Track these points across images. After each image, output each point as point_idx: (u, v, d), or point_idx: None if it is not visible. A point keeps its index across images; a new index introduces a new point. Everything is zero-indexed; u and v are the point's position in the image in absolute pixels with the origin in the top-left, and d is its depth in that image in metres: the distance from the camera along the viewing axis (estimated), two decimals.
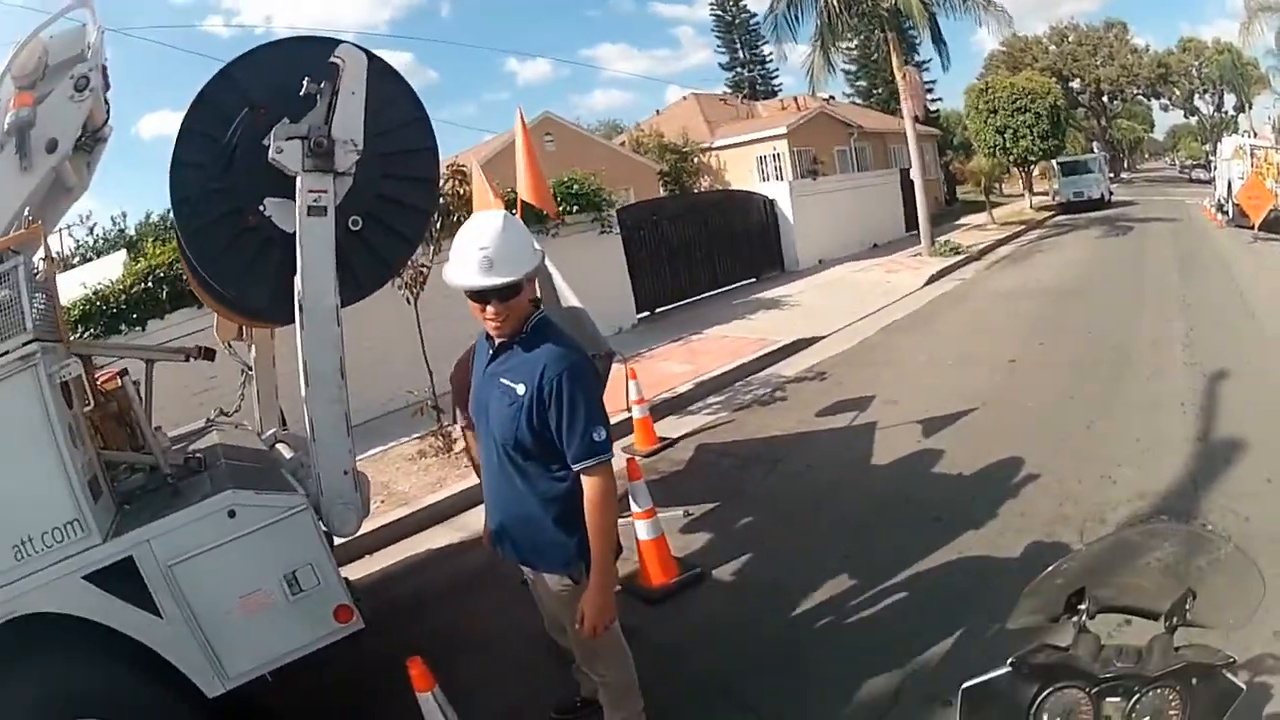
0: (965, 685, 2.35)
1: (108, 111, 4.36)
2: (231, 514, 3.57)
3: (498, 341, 3.14)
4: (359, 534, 4.50)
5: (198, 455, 4.29)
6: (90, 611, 3.42)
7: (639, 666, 3.61)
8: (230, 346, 5.63)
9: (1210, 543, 2.42)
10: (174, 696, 3.59)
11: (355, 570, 6.24)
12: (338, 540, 4.36)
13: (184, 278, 6.70)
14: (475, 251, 2.92)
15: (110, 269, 10.34)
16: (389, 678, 3.57)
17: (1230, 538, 4.74)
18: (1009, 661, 2.32)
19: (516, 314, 3.04)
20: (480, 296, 2.97)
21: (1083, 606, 2.37)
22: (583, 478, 3.04)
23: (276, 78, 4.02)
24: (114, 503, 3.78)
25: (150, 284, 9.47)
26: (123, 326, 9.34)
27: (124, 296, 9.37)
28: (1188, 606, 2.28)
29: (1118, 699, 2.27)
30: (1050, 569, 2.35)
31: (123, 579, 3.44)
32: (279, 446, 5.26)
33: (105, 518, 3.56)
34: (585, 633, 3.12)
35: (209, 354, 5.14)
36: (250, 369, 5.66)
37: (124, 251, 14.03)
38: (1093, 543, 2.34)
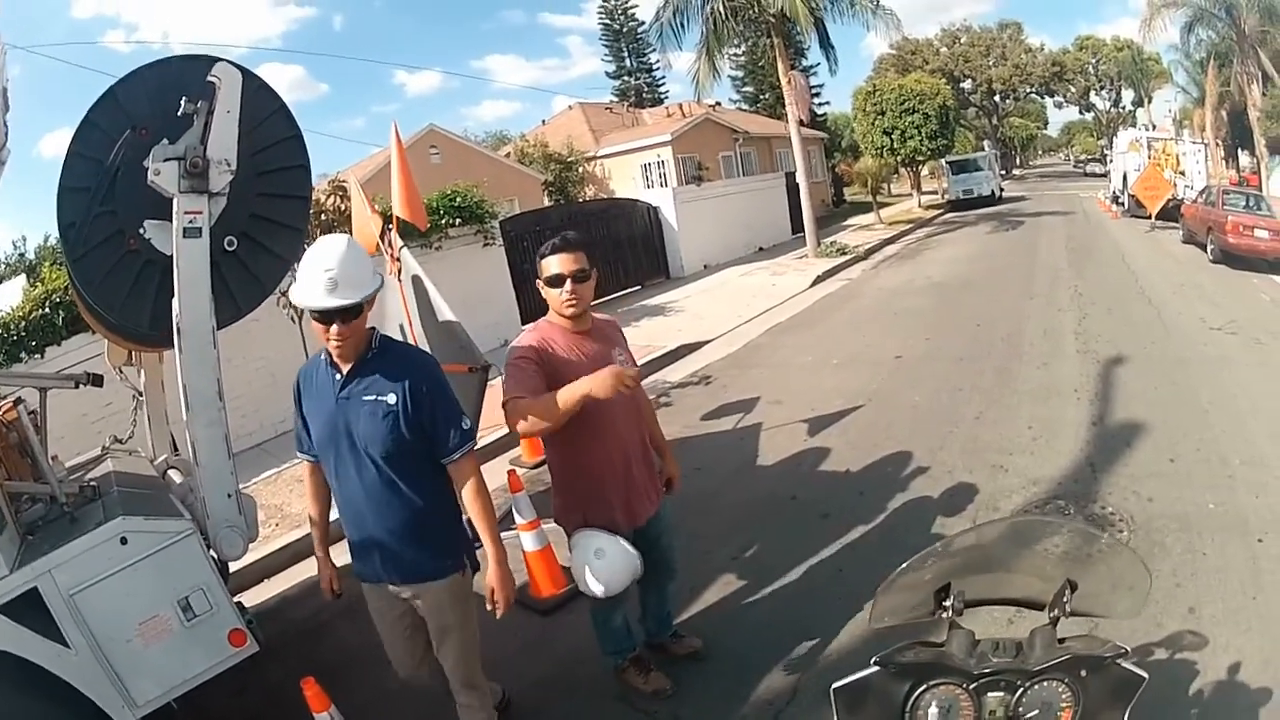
0: (835, 685, 2.32)
1: (6, 134, 4.29)
2: (124, 540, 3.57)
3: (345, 368, 3.18)
4: (257, 557, 4.48)
5: (92, 483, 4.24)
6: (6, 645, 3.39)
7: (533, 678, 3.69)
8: (121, 372, 5.56)
9: (1085, 536, 2.40)
10: None
11: (255, 594, 6.17)
12: (234, 565, 4.36)
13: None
14: (321, 273, 3.00)
15: (10, 295, 10.01)
16: (290, 700, 3.61)
17: (1106, 531, 4.95)
18: (873, 661, 2.29)
19: (358, 334, 3.14)
20: (325, 317, 3.03)
21: (948, 603, 2.34)
22: (460, 465, 3.27)
23: (159, 98, 4.02)
24: (18, 533, 3.74)
25: (48, 309, 9.16)
26: (23, 354, 9.04)
27: (24, 323, 9.07)
28: (1067, 599, 2.26)
29: (1000, 693, 2.25)
30: (902, 566, 2.29)
31: (31, 610, 3.42)
32: (170, 472, 5.18)
33: (11, 549, 3.54)
34: (501, 607, 3.26)
35: (97, 380, 5.06)
36: (141, 394, 5.60)
37: (24, 277, 13.56)
38: (951, 537, 2.36)
